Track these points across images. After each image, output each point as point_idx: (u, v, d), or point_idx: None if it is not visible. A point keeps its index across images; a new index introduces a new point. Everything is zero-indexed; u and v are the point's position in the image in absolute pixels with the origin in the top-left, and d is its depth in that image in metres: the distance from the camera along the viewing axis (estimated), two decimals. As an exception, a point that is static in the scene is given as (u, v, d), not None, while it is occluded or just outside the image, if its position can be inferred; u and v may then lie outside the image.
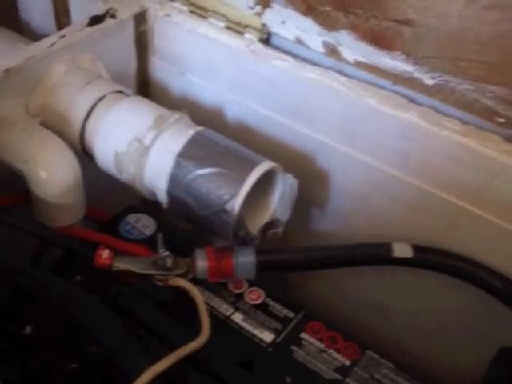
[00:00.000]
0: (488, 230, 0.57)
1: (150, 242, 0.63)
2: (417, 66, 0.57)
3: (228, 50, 0.67)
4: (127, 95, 0.64)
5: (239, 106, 0.69)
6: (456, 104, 0.57)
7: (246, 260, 0.58)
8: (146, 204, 0.79)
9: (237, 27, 0.67)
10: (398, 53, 0.58)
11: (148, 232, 0.66)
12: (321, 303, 0.65)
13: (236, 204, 0.55)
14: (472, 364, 0.59)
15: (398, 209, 0.63)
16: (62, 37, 0.64)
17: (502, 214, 0.56)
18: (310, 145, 0.66)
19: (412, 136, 0.58)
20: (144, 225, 0.66)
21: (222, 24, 0.68)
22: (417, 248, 0.60)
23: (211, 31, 0.68)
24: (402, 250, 0.60)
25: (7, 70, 0.59)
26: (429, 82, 0.57)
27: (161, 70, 0.74)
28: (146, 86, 0.76)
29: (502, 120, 0.55)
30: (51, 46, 0.63)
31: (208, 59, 0.69)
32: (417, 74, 0.57)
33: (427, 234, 0.61)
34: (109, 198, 0.70)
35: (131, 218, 0.67)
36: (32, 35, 0.78)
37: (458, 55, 0.54)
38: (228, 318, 0.59)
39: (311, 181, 0.66)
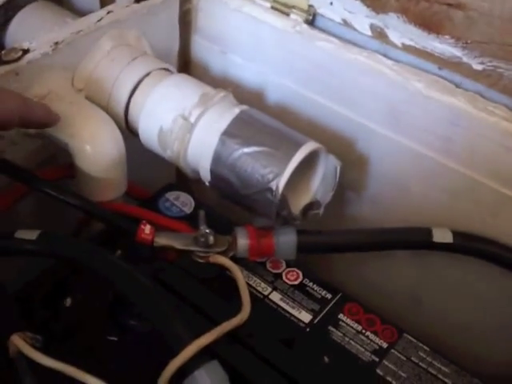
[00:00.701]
0: (531, 219, 0.57)
1: (188, 220, 0.63)
2: (466, 51, 0.57)
3: (273, 31, 0.67)
4: (172, 72, 0.64)
5: (281, 87, 0.69)
6: (504, 90, 0.56)
7: (287, 240, 0.58)
8: (182, 183, 0.80)
9: (282, 8, 0.67)
10: (448, 37, 0.57)
11: (187, 210, 0.66)
12: (356, 288, 0.65)
13: (280, 183, 0.55)
14: (509, 353, 0.59)
15: (438, 195, 0.62)
16: (109, 12, 0.64)
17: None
18: (351, 128, 0.66)
19: (458, 121, 0.58)
20: (183, 202, 0.67)
21: (268, 4, 0.68)
22: (457, 234, 0.60)
23: (256, 11, 0.68)
24: (443, 236, 0.60)
25: (56, 43, 0.60)
26: (477, 67, 0.57)
27: (202, 49, 0.75)
28: (187, 65, 0.76)
29: (551, 108, 0.54)
30: (99, 21, 0.63)
31: (252, 39, 0.69)
32: (466, 59, 0.57)
33: (467, 222, 0.61)
34: (145, 176, 0.71)
35: (171, 195, 0.67)
36: (74, 10, 0.79)
37: (510, 41, 0.54)
38: (266, 297, 0.59)
39: (351, 165, 0.66)
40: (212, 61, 0.75)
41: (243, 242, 0.58)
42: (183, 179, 0.76)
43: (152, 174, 0.71)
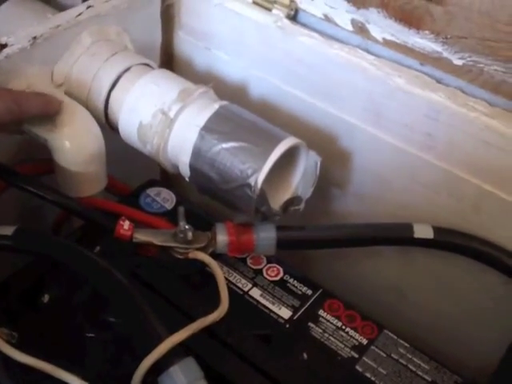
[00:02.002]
0: (510, 214, 0.57)
1: (169, 216, 0.63)
2: (446, 46, 0.56)
3: (255, 26, 0.66)
4: (152, 68, 0.64)
5: (264, 82, 0.69)
6: (484, 85, 0.56)
7: (266, 236, 0.58)
8: (166, 179, 0.80)
9: (264, 3, 0.67)
10: (428, 32, 0.57)
11: (168, 206, 0.66)
12: (338, 283, 0.64)
13: (259, 178, 0.55)
14: (489, 349, 0.59)
15: (420, 191, 0.62)
16: (88, 7, 0.64)
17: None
18: (333, 124, 0.65)
19: (439, 117, 0.57)
20: (164, 198, 0.66)
21: (250, -1, 0.68)
22: (438, 229, 0.60)
23: (239, 6, 0.67)
24: (423, 231, 0.59)
25: (34, 38, 0.59)
26: (457, 62, 0.56)
27: (186, 45, 0.74)
28: (170, 61, 0.76)
29: (531, 103, 0.54)
30: (78, 15, 0.63)
31: (235, 35, 0.69)
32: (446, 54, 0.57)
33: (449, 218, 0.61)
34: (129, 172, 0.70)
35: (152, 192, 0.67)
36: (57, 6, 0.78)
37: (489, 36, 0.53)
38: (246, 293, 0.59)
39: (333, 160, 0.66)
40: (196, 56, 0.74)
41: (222, 238, 0.57)
42: (166, 175, 0.76)
43: (135, 169, 0.71)
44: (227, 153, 0.56)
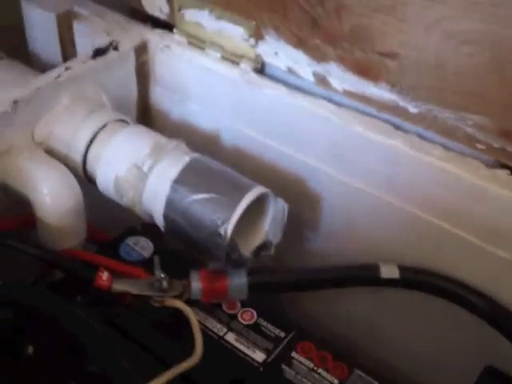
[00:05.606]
0: (471, 251, 0.59)
1: (147, 264, 0.65)
2: (401, 96, 0.60)
3: (224, 79, 0.70)
4: (127, 123, 0.67)
5: (235, 132, 0.72)
6: (439, 131, 0.59)
7: (238, 281, 0.60)
8: (147, 225, 0.82)
9: (232, 57, 0.70)
10: (384, 83, 0.60)
11: (146, 254, 0.69)
12: (312, 322, 0.67)
13: (228, 228, 0.57)
14: (458, 382, 0.61)
15: (386, 231, 0.65)
16: (67, 69, 0.67)
17: (484, 235, 0.58)
18: (302, 169, 0.69)
19: (397, 161, 0.60)
20: (142, 247, 0.69)
21: (219, 54, 0.71)
22: (404, 269, 0.62)
23: (208, 61, 0.71)
24: (390, 271, 0.62)
25: (15, 102, 0.63)
26: (413, 110, 0.60)
27: (161, 98, 0.78)
28: (147, 113, 0.79)
29: (483, 147, 0.57)
30: (57, 77, 0.66)
31: (206, 88, 0.73)
32: (402, 103, 0.60)
33: (414, 256, 0.63)
34: (111, 219, 0.73)
35: (130, 241, 0.70)
36: (40, 65, 0.82)
37: (438, 85, 0.57)
38: (221, 337, 0.61)
39: (303, 204, 0.69)
40: (171, 108, 0.77)
41: (196, 285, 0.60)
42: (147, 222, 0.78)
43: (118, 216, 0.73)
44: (198, 204, 0.59)
